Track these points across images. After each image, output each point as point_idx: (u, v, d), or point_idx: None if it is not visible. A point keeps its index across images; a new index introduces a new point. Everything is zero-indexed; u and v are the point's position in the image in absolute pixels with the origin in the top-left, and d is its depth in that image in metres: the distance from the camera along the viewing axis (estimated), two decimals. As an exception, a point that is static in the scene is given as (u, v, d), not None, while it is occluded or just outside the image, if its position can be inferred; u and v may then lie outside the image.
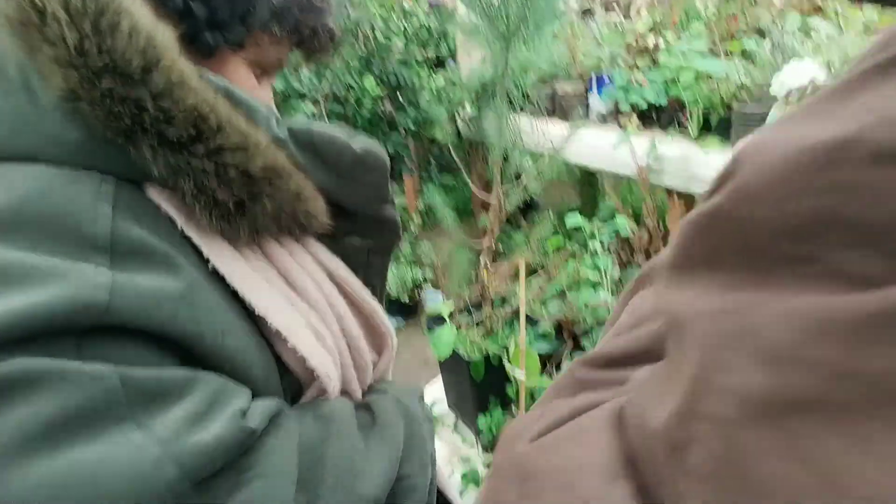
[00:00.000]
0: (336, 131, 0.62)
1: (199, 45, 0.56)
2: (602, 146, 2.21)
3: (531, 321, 2.11)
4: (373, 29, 2.55)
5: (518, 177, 1.94)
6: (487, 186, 2.13)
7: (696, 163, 1.99)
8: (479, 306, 2.12)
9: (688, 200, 2.11)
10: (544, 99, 2.50)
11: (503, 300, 2.09)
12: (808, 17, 2.22)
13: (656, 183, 2.09)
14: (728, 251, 0.25)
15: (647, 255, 2.24)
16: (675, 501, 0.24)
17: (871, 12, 2.05)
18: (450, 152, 2.23)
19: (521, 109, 2.03)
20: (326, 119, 2.61)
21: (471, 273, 2.07)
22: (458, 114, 2.62)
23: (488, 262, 1.96)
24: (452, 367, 2.16)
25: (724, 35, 2.31)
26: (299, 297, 0.62)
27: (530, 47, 1.77)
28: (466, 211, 2.92)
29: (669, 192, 2.11)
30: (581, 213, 2.32)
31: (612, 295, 2.08)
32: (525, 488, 0.32)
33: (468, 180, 2.13)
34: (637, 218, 2.26)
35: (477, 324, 2.07)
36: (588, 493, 0.28)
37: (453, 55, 2.94)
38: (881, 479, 0.18)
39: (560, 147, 1.98)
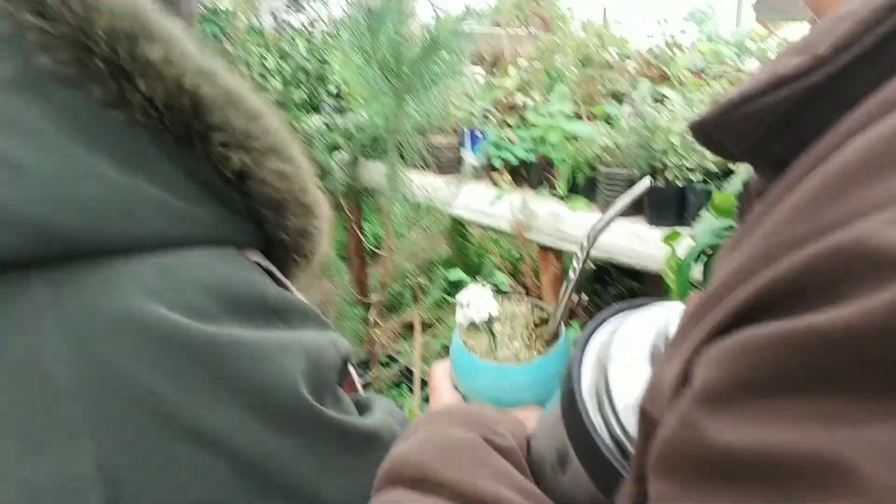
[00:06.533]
0: None
1: None
2: (478, 200, 2.25)
3: (422, 383, 2.02)
4: (248, 66, 2.42)
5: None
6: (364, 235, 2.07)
7: (565, 221, 2.09)
8: (366, 365, 2.03)
9: (558, 255, 2.20)
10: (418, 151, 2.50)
11: (390, 359, 2.03)
12: (658, 84, 2.40)
13: (530, 238, 2.16)
14: (865, 372, 0.20)
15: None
16: None
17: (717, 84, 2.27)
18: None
19: (407, 162, 2.01)
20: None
21: (359, 330, 1.97)
22: (333, 159, 2.53)
23: (378, 319, 1.88)
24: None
25: (586, 98, 2.45)
26: None
27: (418, 102, 1.76)
28: (342, 258, 2.82)
29: (541, 248, 2.19)
30: (454, 264, 2.33)
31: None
32: None
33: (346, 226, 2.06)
34: (514, 273, 2.31)
35: (365, 385, 1.98)
36: None
37: (336, 97, 2.88)
38: None
39: (448, 201, 1.98)
